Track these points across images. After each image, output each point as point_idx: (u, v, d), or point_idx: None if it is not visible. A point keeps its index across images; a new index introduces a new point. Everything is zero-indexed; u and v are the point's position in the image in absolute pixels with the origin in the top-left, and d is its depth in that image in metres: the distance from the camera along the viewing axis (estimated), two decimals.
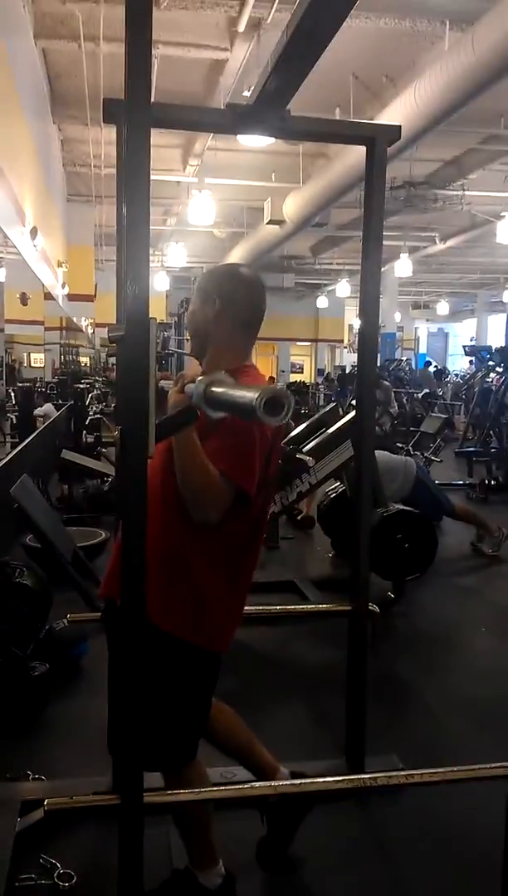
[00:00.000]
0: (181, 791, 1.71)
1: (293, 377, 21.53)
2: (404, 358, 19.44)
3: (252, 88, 1.99)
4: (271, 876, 2.02)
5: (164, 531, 1.60)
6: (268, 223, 10.88)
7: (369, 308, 2.24)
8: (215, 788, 1.93)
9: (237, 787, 2.09)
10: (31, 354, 9.99)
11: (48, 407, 8.14)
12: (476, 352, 14.84)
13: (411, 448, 7.52)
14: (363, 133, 2.27)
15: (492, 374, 10.02)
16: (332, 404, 6.14)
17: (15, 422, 7.08)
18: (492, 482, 7.27)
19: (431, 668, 3.44)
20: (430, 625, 4.02)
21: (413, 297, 25.28)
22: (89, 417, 8.57)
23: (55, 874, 1.95)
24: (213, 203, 9.82)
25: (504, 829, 1.62)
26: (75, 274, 11.40)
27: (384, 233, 2.25)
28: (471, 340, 23.28)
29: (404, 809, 2.28)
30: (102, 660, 1.93)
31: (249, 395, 1.15)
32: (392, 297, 19.07)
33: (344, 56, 6.23)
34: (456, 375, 18.08)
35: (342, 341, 25.12)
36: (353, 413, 4.11)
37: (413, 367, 19.04)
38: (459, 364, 24.02)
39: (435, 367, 18.43)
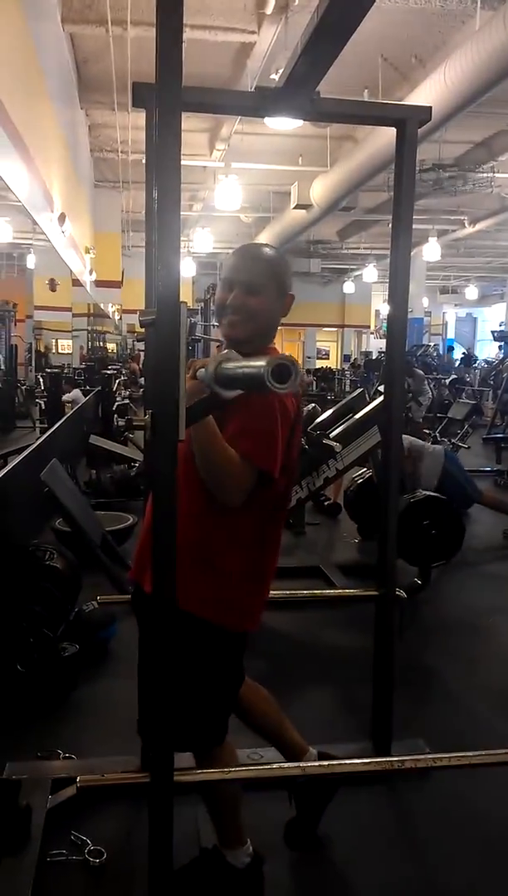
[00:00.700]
0: (211, 770, 1.72)
1: (319, 363, 21.44)
2: (431, 343, 19.26)
3: (281, 71, 1.98)
4: (298, 856, 2.04)
5: (188, 513, 1.61)
6: (295, 207, 10.78)
7: (398, 293, 2.22)
8: (244, 768, 1.95)
9: (266, 767, 2.11)
10: (59, 341, 10.07)
11: (76, 393, 8.20)
12: (505, 337, 14.68)
13: (437, 434, 7.46)
14: (393, 115, 2.23)
15: None
16: (359, 390, 6.12)
17: (44, 407, 7.16)
18: None
19: (458, 654, 3.43)
20: (458, 611, 4.01)
21: (441, 282, 25.04)
22: (117, 403, 8.64)
23: (86, 850, 1.99)
24: (239, 188, 9.79)
25: None
26: (102, 260, 11.41)
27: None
28: (501, 326, 22.98)
29: (431, 794, 2.29)
30: (130, 642, 1.94)
31: (256, 364, 1.15)
32: (420, 282, 18.86)
33: (373, 36, 6.16)
34: (485, 362, 17.85)
35: (368, 327, 24.95)
36: (380, 399, 4.09)
37: (441, 352, 18.87)
38: (488, 350, 23.73)
39: (463, 352, 18.24)
